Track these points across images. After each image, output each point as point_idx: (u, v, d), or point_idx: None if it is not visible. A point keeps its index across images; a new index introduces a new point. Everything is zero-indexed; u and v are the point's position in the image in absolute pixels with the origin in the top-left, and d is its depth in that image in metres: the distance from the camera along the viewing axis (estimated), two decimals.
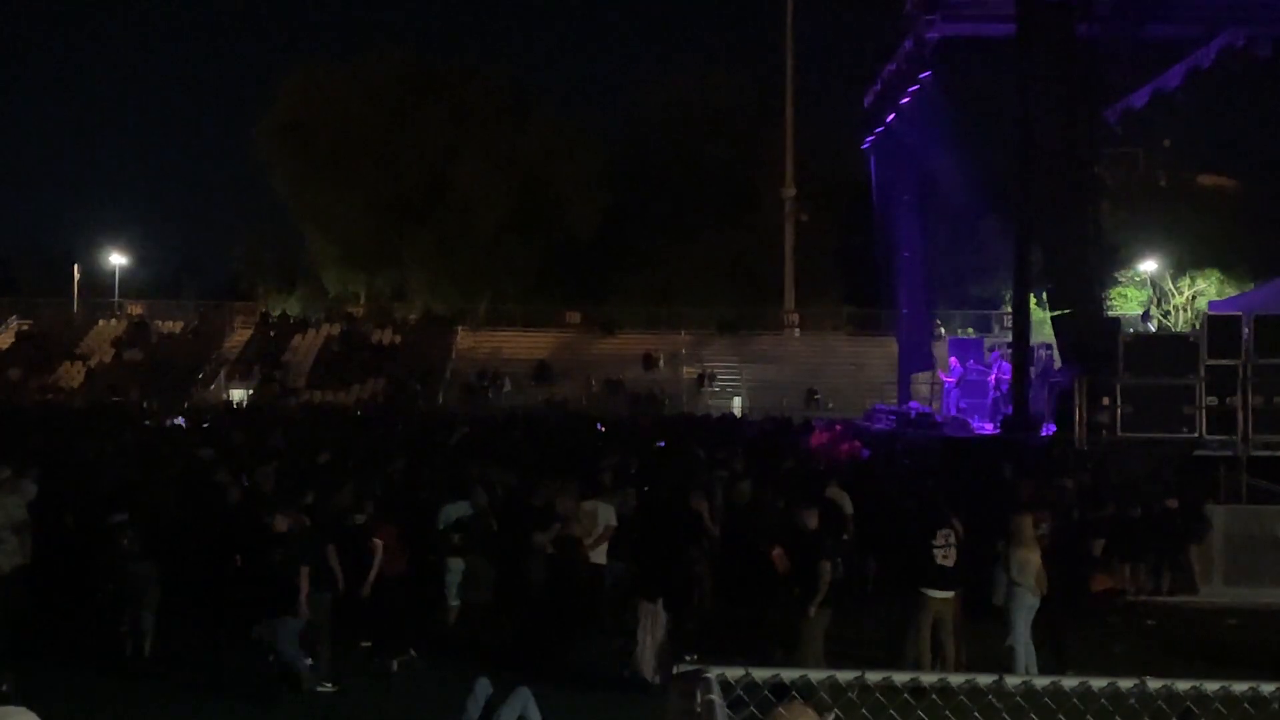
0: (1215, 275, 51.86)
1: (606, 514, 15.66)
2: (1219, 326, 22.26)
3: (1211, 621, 17.78)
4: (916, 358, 38.17)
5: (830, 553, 13.07)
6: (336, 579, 13.45)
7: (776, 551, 13.83)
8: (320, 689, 13.02)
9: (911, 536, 13.78)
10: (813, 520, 13.43)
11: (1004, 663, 13.04)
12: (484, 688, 11.12)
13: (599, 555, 15.52)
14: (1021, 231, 26.80)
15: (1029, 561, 13.41)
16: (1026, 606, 13.40)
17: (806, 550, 13.16)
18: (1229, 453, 21.32)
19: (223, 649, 14.59)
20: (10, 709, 8.65)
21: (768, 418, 31.99)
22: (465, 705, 10.98)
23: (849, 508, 16.95)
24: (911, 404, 36.00)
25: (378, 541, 13.81)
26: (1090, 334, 23.68)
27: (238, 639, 14.94)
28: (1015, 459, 23.12)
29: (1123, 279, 52.84)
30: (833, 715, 6.93)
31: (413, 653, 14.19)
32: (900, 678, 4.57)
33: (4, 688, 8.69)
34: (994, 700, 4.82)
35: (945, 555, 13.21)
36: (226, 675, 13.71)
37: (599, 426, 27.94)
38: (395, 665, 13.85)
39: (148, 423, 36.20)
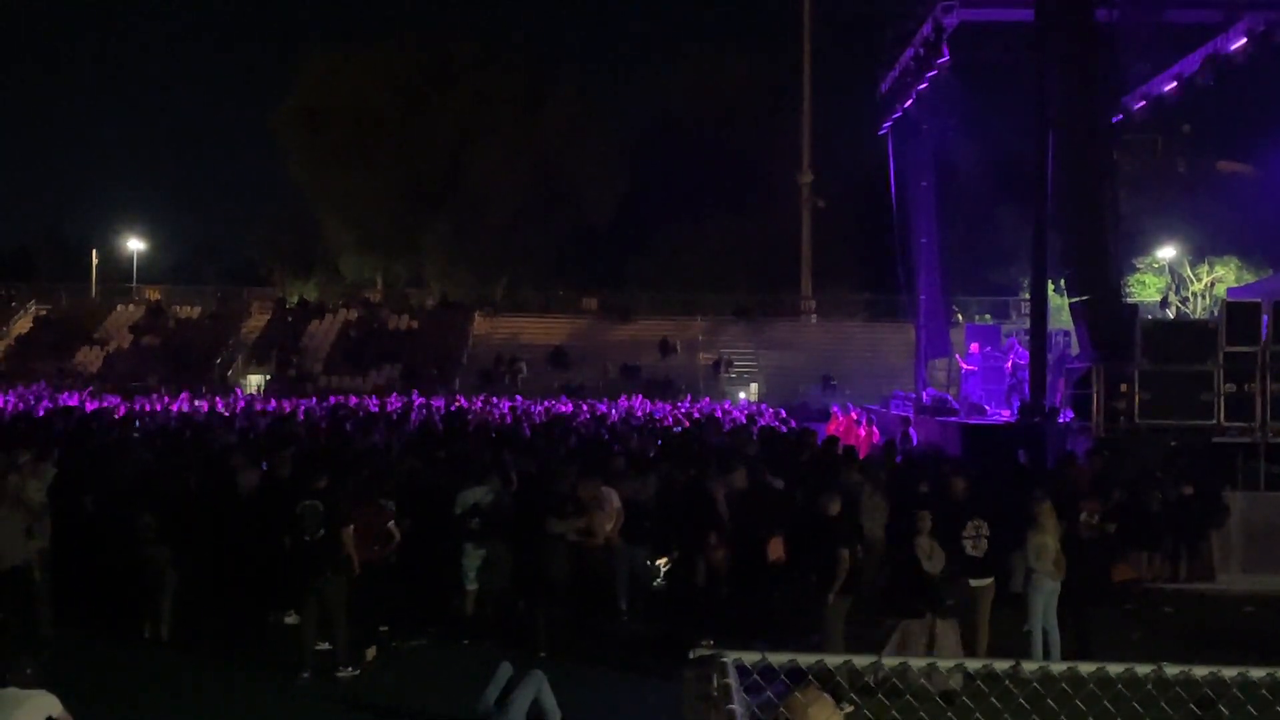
0: (1234, 262, 51.57)
1: (612, 498, 15.69)
2: (1238, 313, 22.16)
3: (1229, 608, 17.75)
4: (934, 344, 38.07)
5: (849, 540, 13.07)
6: (353, 563, 13.47)
7: (773, 540, 13.89)
8: (340, 674, 13.07)
9: (942, 527, 13.79)
10: (834, 506, 13.42)
11: (1022, 649, 13.07)
12: (505, 671, 11.20)
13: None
14: (1039, 218, 26.70)
15: (1046, 547, 13.40)
16: (1045, 592, 13.39)
17: (826, 537, 13.16)
18: (1247, 440, 21.26)
19: (241, 633, 14.66)
20: (32, 692, 8.72)
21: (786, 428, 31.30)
22: (485, 688, 11.06)
23: None
24: (927, 390, 35.93)
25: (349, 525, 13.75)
26: (1108, 321, 23.60)
27: (256, 623, 15.05)
28: (1031, 446, 23.10)
29: (1141, 266, 52.62)
30: (849, 706, 6.95)
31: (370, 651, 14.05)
32: (917, 663, 4.57)
33: (27, 670, 8.75)
34: (1010, 686, 4.82)
35: (975, 546, 13.24)
36: (245, 659, 13.77)
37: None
38: (370, 654, 13.83)
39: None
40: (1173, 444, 20.88)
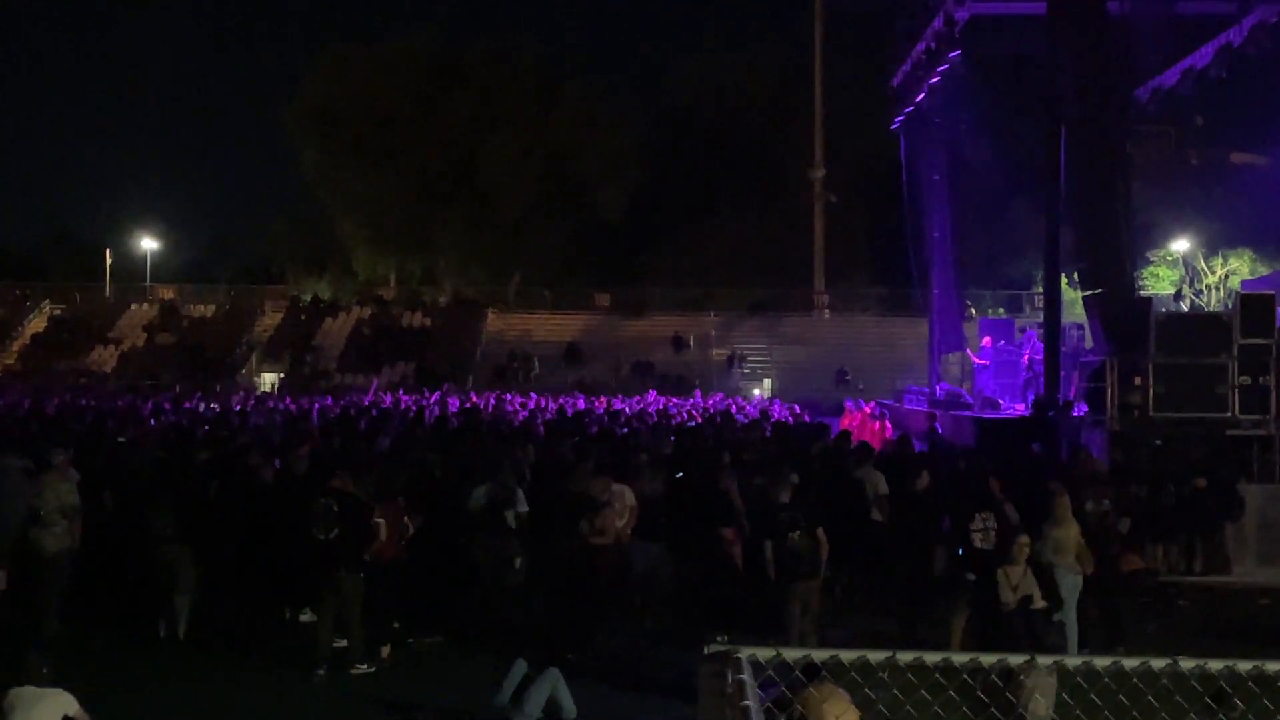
0: (1248, 254, 51.43)
1: (626, 495, 15.65)
2: (1252, 305, 22.10)
3: (1245, 601, 17.70)
4: (947, 338, 38.06)
5: (792, 527, 13.10)
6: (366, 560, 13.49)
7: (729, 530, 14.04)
8: (356, 671, 13.09)
9: (950, 519, 13.79)
10: (785, 495, 13.49)
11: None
12: (520, 668, 11.22)
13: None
14: (1052, 211, 26.68)
15: (1065, 540, 13.36)
16: (1066, 586, 13.35)
17: (777, 525, 13.31)
18: (1262, 432, 21.20)
19: (258, 631, 14.68)
20: (48, 690, 8.76)
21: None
22: (501, 685, 11.08)
23: (883, 488, 16.88)
24: (940, 384, 35.93)
25: (379, 520, 13.78)
26: (1122, 314, 23.54)
27: (273, 621, 15.07)
28: (1045, 439, 23.05)
29: (1155, 258, 52.49)
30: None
31: (393, 645, 14.00)
32: (931, 658, 4.57)
33: (44, 670, 8.79)
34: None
35: (984, 538, 13.18)
36: (261, 657, 13.79)
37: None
38: (385, 651, 13.80)
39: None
40: (1157, 441, 20.80)
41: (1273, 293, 22.81)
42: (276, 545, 14.63)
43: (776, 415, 33.83)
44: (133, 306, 65.96)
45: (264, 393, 48.57)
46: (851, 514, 16.15)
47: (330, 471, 14.37)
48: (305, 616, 14.84)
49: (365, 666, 13.19)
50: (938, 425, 29.14)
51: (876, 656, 4.51)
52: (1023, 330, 36.27)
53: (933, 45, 31.54)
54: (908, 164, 38.37)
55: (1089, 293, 24.99)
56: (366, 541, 13.51)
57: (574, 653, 13.16)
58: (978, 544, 13.17)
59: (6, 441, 20.05)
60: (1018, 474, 17.56)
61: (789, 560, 13.13)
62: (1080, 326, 29.09)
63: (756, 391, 53.82)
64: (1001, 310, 58.83)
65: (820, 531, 13.42)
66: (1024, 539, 12.09)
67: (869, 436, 27.12)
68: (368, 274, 77.24)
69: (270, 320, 64.56)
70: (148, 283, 73.42)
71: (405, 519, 14.29)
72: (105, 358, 58.94)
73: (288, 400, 39.21)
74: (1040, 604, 11.74)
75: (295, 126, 73.13)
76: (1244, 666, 4.49)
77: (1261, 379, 21.39)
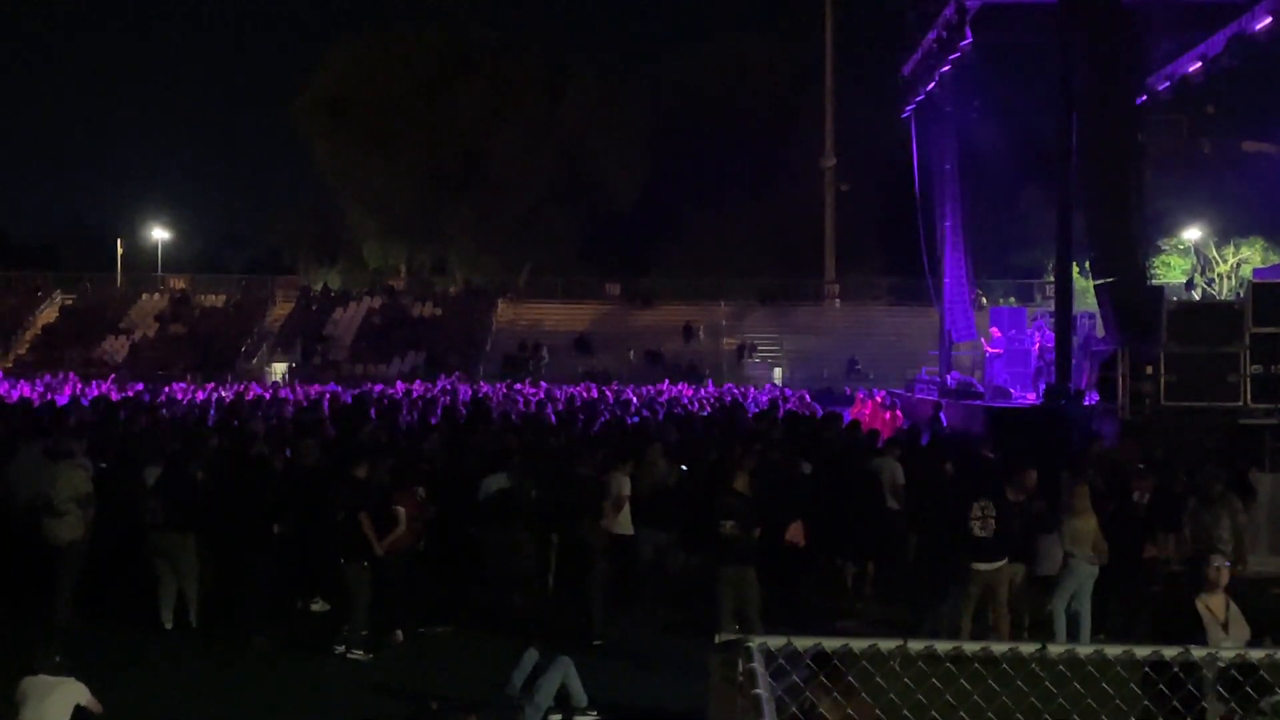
0: (1260, 243, 51.25)
1: (621, 484, 15.58)
2: (1264, 294, 21.98)
3: (1256, 590, 17.60)
4: (958, 328, 37.97)
5: (727, 513, 13.08)
6: (373, 548, 13.49)
7: (794, 524, 13.94)
8: (351, 656, 13.11)
9: (950, 508, 13.75)
10: (740, 483, 13.45)
11: (1049, 628, 13.11)
12: (531, 657, 11.23)
13: (624, 525, 15.47)
14: (1064, 199, 26.59)
15: (1082, 530, 13.33)
16: (1081, 575, 13.33)
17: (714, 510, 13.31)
18: (1274, 420, 21.11)
19: (267, 619, 14.68)
20: (61, 679, 8.79)
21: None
22: (512, 674, 11.10)
23: (900, 478, 16.87)
24: (951, 374, 35.87)
25: (399, 509, 13.81)
26: (1133, 302, 23.46)
27: (284, 610, 15.07)
28: (1057, 429, 23.01)
29: (1166, 247, 52.32)
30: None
31: (399, 633, 14.08)
32: (943, 647, 4.57)
33: (56, 659, 8.82)
34: (1037, 669, 4.82)
35: (983, 526, 13.12)
36: (273, 646, 13.77)
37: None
38: (399, 636, 13.88)
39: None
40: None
41: None
42: (287, 535, 14.62)
43: (789, 404, 33.81)
44: (144, 297, 66.12)
45: (275, 382, 48.69)
46: (865, 503, 16.17)
47: (346, 458, 14.38)
48: (316, 606, 14.85)
49: (360, 653, 13.19)
50: (942, 415, 29.09)
51: (887, 645, 4.51)
52: (1034, 319, 36.18)
53: (944, 33, 31.38)
54: (919, 153, 38.24)
55: (1100, 281, 24.91)
56: (385, 529, 13.57)
57: (581, 640, 13.22)
58: (976, 532, 13.10)
59: (22, 430, 20.13)
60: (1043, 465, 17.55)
61: (716, 547, 13.11)
62: (1091, 315, 29.00)
63: (770, 382, 53.52)
64: (1013, 299, 58.71)
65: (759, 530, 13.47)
66: (1218, 560, 9.73)
67: (880, 426, 27.10)
68: (378, 264, 77.35)
69: (281, 310, 64.72)
70: (159, 273, 73.61)
71: (422, 508, 14.33)
72: (116, 348, 59.07)
73: (285, 391, 39.25)
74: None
75: (305, 116, 73.22)
76: (1256, 655, 4.49)
77: (1273, 368, 21.28)
